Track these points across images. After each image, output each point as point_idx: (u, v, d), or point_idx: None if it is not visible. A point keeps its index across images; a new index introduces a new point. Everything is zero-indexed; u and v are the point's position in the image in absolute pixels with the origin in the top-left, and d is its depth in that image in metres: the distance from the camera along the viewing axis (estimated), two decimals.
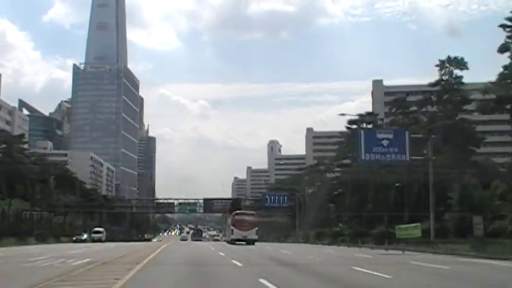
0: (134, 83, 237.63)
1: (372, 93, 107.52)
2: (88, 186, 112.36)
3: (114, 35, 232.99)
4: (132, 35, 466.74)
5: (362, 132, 40.66)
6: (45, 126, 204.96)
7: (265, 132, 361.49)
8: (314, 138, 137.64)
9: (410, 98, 64.09)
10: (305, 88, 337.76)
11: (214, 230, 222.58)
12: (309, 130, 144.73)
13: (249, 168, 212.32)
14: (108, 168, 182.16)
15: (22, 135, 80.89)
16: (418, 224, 32.03)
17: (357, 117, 64.48)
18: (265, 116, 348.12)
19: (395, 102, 64.63)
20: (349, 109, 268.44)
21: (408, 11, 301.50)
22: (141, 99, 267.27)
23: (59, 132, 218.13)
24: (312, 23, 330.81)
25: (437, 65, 55.91)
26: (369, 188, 57.38)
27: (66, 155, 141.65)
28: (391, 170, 54.20)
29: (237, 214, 48.80)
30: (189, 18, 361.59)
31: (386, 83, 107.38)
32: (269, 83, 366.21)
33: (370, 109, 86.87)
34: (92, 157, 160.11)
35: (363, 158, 36.83)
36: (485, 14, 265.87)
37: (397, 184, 49.82)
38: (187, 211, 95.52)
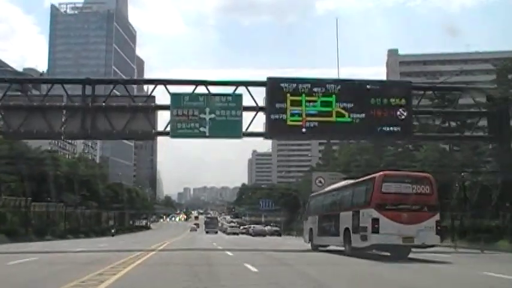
0: (130, 33, 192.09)
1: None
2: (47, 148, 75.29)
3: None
4: (136, 18, 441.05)
5: None
6: (18, 84, 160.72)
7: None
8: (401, 65, 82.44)
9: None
10: (312, 74, 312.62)
11: (228, 215, 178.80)
12: (392, 53, 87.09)
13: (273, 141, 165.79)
14: None
15: None
16: None
17: None
18: None
19: None
20: None
21: None
22: (141, 60, 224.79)
23: (36, 92, 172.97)
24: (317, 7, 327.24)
25: None
26: None
27: None
28: None
29: (388, 178, 14.90)
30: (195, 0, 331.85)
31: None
32: (275, 69, 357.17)
33: None
34: None
35: None
36: None
37: None
38: (214, 118, 22.70)
